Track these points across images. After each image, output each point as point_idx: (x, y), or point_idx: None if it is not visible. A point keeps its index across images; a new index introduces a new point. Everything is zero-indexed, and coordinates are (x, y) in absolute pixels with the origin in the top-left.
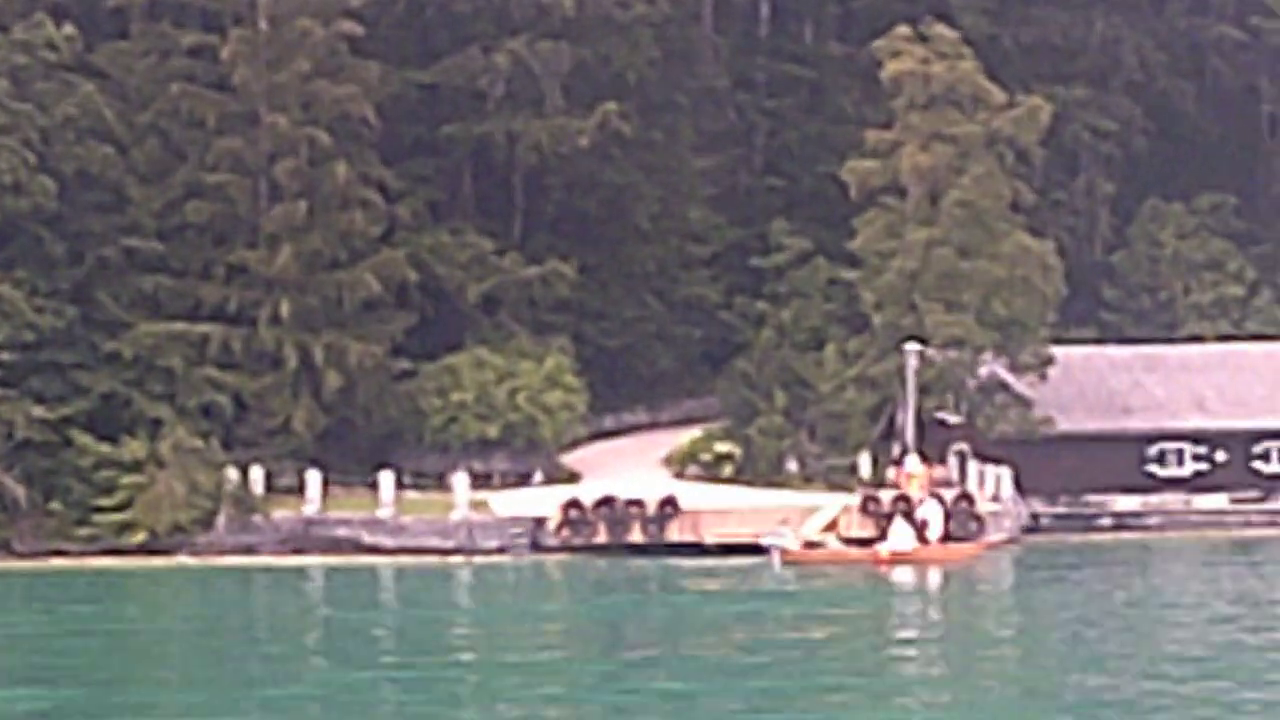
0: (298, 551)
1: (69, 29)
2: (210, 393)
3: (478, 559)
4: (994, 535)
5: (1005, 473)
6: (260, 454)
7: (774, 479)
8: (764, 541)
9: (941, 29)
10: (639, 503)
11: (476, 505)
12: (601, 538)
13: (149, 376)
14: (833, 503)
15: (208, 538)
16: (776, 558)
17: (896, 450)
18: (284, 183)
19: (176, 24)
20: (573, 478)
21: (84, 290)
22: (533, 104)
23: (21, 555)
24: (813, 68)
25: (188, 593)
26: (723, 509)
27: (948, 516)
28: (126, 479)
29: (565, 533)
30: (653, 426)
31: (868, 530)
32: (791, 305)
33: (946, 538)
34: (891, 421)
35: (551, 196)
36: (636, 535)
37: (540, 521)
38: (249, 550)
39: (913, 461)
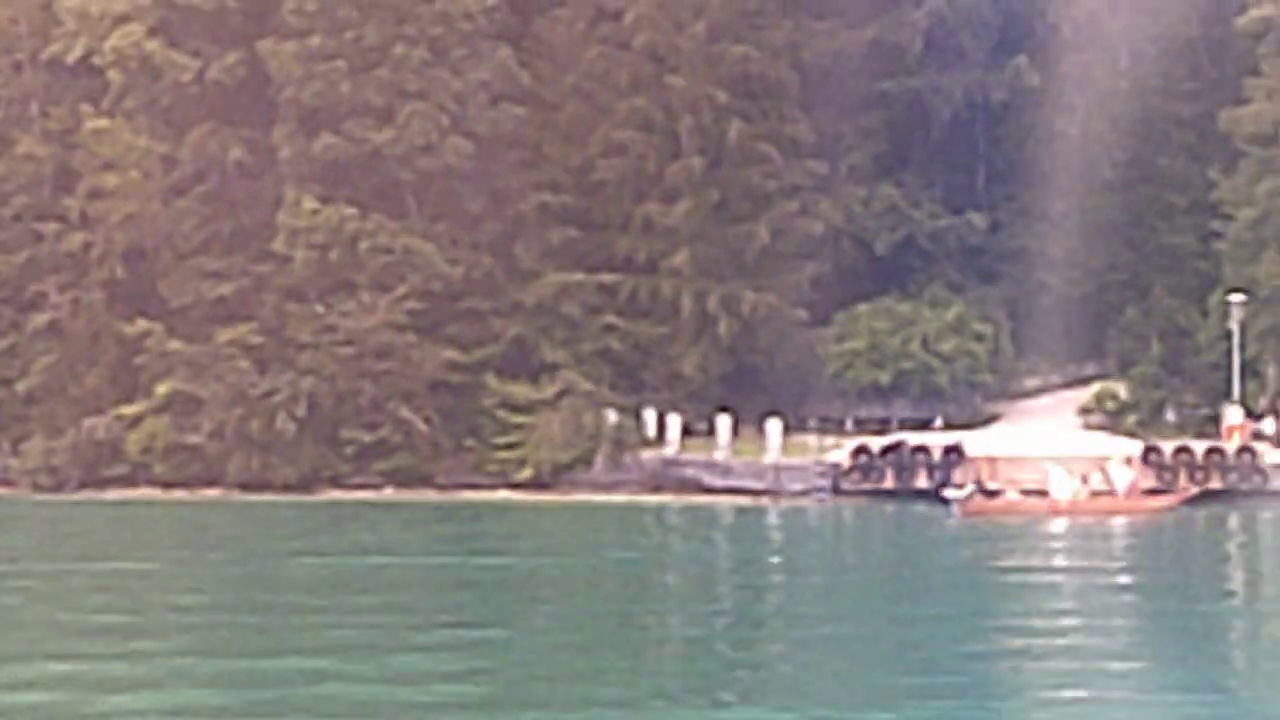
0: (656, 490)
1: None
2: (608, 339)
3: (784, 501)
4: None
5: None
6: (656, 398)
7: (1153, 428)
8: (945, 494)
9: None
10: (924, 449)
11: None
12: (889, 483)
13: (555, 323)
14: (1119, 453)
15: (586, 475)
16: (956, 508)
17: (1264, 402)
18: (684, 140)
19: None
20: (988, 422)
21: (500, 242)
22: (957, 57)
23: (443, 488)
24: None
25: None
26: (1017, 456)
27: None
28: (520, 419)
29: (855, 477)
30: None
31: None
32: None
33: (1154, 490)
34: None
35: (1000, 147)
36: (922, 481)
37: (839, 466)
38: (614, 488)
39: (1233, 413)
